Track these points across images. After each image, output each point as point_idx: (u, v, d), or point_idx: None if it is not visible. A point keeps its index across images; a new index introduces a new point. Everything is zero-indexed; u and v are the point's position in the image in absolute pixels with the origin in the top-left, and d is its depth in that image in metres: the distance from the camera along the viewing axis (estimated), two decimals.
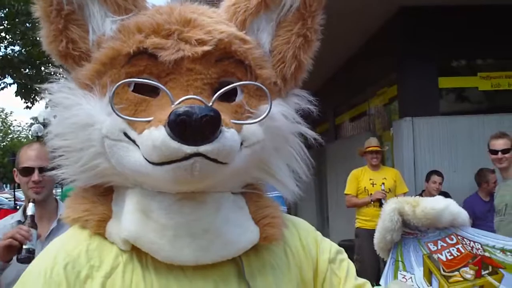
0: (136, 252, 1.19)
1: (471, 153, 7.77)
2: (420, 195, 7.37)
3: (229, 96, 1.23)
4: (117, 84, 1.14)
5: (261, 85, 1.24)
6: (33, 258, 2.28)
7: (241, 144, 1.19)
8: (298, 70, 1.37)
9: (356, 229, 7.24)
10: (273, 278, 1.30)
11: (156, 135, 1.07)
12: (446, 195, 7.26)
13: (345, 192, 7.34)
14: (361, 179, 7.27)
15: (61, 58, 1.25)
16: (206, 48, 1.19)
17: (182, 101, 1.12)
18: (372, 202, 6.99)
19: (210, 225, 1.18)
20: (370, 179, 7.19)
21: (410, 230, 1.10)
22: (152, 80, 1.19)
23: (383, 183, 7.10)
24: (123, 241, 1.18)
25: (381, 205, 6.86)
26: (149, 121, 1.13)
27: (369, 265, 6.62)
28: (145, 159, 1.13)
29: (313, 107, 1.42)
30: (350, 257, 1.49)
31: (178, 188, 1.16)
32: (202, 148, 1.07)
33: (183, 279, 1.20)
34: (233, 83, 1.24)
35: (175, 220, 1.17)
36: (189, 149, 1.06)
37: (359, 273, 1.45)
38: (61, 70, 1.30)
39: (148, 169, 1.13)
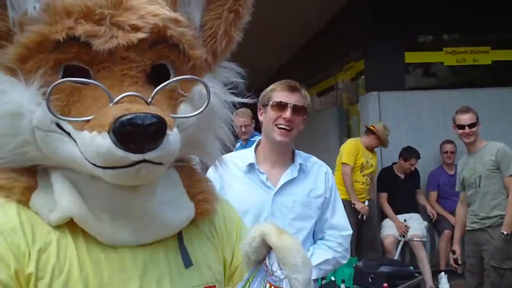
0: (68, 228, 1.17)
1: (437, 127, 7.85)
2: (392, 168, 7.45)
3: (162, 81, 1.18)
4: (54, 84, 1.08)
5: (199, 79, 1.22)
6: None
7: None
8: (228, 45, 1.35)
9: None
10: (201, 256, 1.31)
11: (100, 143, 1.04)
12: (416, 172, 7.41)
13: (345, 161, 6.98)
14: (360, 154, 7.10)
15: None
16: (140, 35, 1.14)
17: (121, 98, 1.09)
18: (353, 206, 6.82)
19: (146, 207, 1.18)
20: (365, 156, 7.14)
21: (267, 263, 1.17)
22: (83, 67, 1.14)
23: (372, 164, 7.19)
24: (60, 219, 1.15)
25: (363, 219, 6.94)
26: (88, 120, 1.08)
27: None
28: (85, 158, 1.10)
29: (241, 79, 1.42)
30: None
31: (122, 184, 1.14)
32: (148, 155, 1.06)
33: (113, 258, 1.18)
34: (166, 66, 1.23)
35: (112, 205, 1.16)
36: (135, 157, 1.05)
37: None
38: None
39: (87, 166, 1.10)
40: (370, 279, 5.38)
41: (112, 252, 1.18)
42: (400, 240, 7.06)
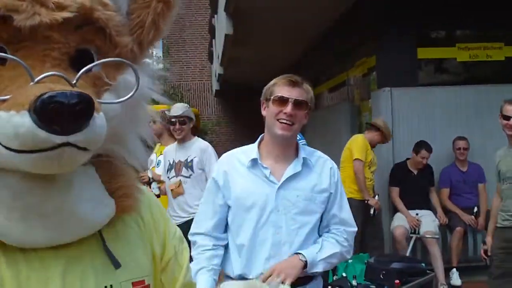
0: None
1: (449, 124, 7.81)
2: (405, 163, 7.43)
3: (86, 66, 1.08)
4: None
5: (129, 63, 1.14)
6: None
7: None
8: (156, 37, 1.25)
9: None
10: (128, 250, 1.24)
11: (19, 122, 0.93)
12: (429, 168, 7.35)
13: (358, 156, 6.91)
14: (369, 150, 7.08)
15: None
16: (65, 14, 1.04)
17: (44, 77, 1.00)
18: (367, 201, 6.88)
19: (62, 203, 1.08)
20: (371, 153, 7.14)
21: None
22: (0, 46, 1.04)
23: (374, 170, 7.17)
24: None
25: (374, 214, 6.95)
26: (4, 100, 0.98)
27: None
28: None
29: (163, 73, 1.37)
30: None
31: (35, 172, 1.03)
32: (73, 138, 0.96)
33: (32, 256, 1.09)
34: (91, 51, 1.14)
35: (24, 201, 1.05)
36: (58, 139, 0.95)
37: None
38: None
39: (1, 152, 0.99)
40: (381, 276, 5.36)
41: (32, 250, 1.09)
42: (412, 237, 7.04)
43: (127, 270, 1.21)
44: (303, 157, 2.88)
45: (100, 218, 1.15)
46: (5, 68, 1.03)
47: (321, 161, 2.97)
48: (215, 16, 14.52)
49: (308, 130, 12.72)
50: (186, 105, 6.11)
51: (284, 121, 2.78)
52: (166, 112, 5.93)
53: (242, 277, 2.86)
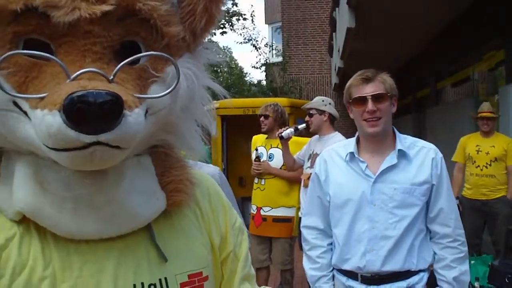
0: (33, 222, 1.09)
1: None
2: None
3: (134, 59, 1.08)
4: (3, 56, 0.99)
5: (165, 55, 1.11)
6: None
7: (146, 112, 1.09)
8: (209, 24, 1.22)
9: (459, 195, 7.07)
10: (184, 241, 1.25)
11: (50, 122, 0.94)
12: None
13: (452, 159, 7.11)
14: (467, 146, 7.05)
15: None
16: (105, 7, 1.02)
17: (79, 75, 0.99)
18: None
19: (112, 196, 1.09)
20: (477, 146, 6.91)
21: None
22: (44, 41, 1.04)
23: (488, 152, 6.83)
24: (16, 213, 1.08)
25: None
26: (42, 98, 0.98)
27: (467, 234, 6.42)
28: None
29: (223, 59, 1.31)
30: None
31: (73, 168, 1.04)
32: (103, 137, 0.95)
33: (84, 249, 1.11)
34: (136, 42, 1.12)
35: (75, 192, 1.06)
36: (87, 138, 0.94)
37: None
38: None
39: (43, 149, 1.00)
40: (507, 279, 5.16)
41: (84, 242, 1.11)
42: None
43: (182, 262, 1.22)
44: (399, 149, 2.85)
45: (150, 212, 1.17)
46: (48, 64, 1.03)
47: (423, 151, 2.91)
48: (337, 9, 14.44)
49: (430, 126, 12.42)
50: (319, 98, 6.02)
51: (370, 119, 2.81)
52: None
53: (337, 268, 2.94)
